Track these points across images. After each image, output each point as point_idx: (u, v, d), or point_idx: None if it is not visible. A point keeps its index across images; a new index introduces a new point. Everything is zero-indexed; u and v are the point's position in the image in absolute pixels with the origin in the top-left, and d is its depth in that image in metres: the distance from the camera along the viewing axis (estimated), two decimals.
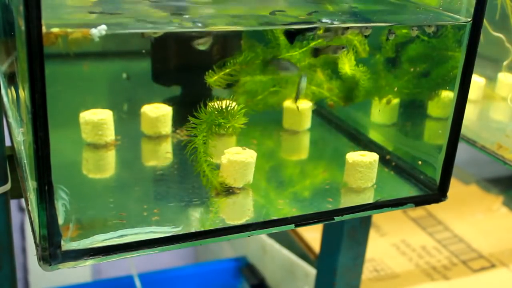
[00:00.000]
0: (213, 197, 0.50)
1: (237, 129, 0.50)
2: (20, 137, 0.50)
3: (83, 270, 1.43)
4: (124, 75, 0.55)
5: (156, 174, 0.56)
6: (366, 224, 0.79)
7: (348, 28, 0.53)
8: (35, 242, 0.41)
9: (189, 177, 0.53)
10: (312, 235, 1.11)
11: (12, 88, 0.52)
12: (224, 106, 0.49)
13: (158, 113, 0.59)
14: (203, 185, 0.50)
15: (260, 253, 1.17)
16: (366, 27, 0.54)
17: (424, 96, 0.59)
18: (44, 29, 0.35)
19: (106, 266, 1.48)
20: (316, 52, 0.56)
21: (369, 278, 1.02)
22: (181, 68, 0.64)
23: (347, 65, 0.57)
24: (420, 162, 0.58)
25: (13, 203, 0.79)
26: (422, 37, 0.57)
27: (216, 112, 0.49)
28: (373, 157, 0.54)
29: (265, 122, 0.65)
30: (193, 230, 0.46)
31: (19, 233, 1.37)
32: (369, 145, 0.63)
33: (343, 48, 0.55)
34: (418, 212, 1.23)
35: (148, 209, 0.48)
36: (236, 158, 0.50)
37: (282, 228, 0.49)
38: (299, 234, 1.12)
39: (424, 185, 0.56)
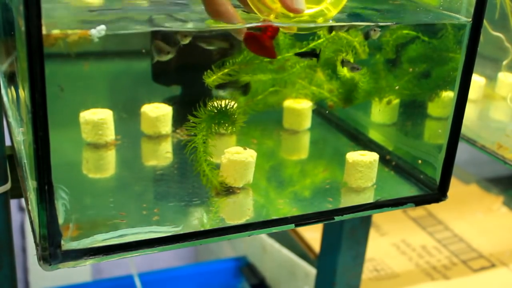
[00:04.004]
0: (213, 197, 0.50)
1: (236, 128, 0.50)
2: (20, 137, 0.50)
3: (83, 269, 1.43)
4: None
5: (156, 174, 0.56)
6: (366, 223, 0.79)
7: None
8: (35, 242, 0.41)
9: (189, 177, 0.53)
10: (312, 235, 1.11)
11: (12, 88, 0.52)
12: (223, 105, 0.49)
13: (158, 113, 0.59)
14: (203, 184, 0.50)
15: (260, 253, 1.17)
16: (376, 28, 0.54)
17: (424, 96, 0.59)
18: (44, 31, 0.35)
19: (106, 265, 1.48)
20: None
21: (369, 277, 1.02)
22: (181, 68, 0.64)
23: (345, 68, 0.57)
24: (420, 162, 0.58)
25: (13, 203, 0.79)
26: (422, 38, 0.57)
27: (215, 111, 0.49)
28: (373, 156, 0.54)
29: (265, 121, 0.65)
30: (193, 230, 0.46)
31: (19, 233, 1.37)
32: (369, 145, 0.63)
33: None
34: (418, 211, 1.23)
35: (148, 208, 0.48)
36: (236, 158, 0.50)
37: (282, 228, 0.49)
38: (299, 234, 1.12)
39: (424, 184, 0.56)
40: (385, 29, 0.58)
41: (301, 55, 0.56)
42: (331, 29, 0.56)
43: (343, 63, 0.57)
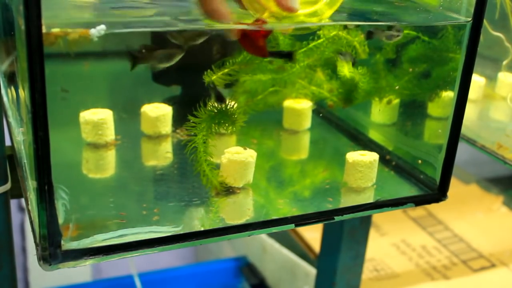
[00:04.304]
0: (213, 197, 0.50)
1: (236, 127, 0.50)
2: (20, 136, 0.50)
3: (83, 269, 1.43)
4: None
5: (156, 173, 0.56)
6: (366, 223, 0.79)
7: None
8: (35, 242, 0.41)
9: (189, 176, 0.53)
10: (312, 235, 1.11)
11: (12, 88, 0.52)
12: (223, 105, 0.49)
13: (158, 113, 0.59)
14: (203, 184, 0.50)
15: (260, 253, 1.17)
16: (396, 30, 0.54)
17: (424, 96, 0.59)
18: (43, 29, 0.35)
19: (106, 265, 1.48)
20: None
21: (369, 277, 1.02)
22: (181, 68, 0.64)
23: (346, 68, 0.57)
24: (420, 162, 0.58)
25: (13, 203, 0.79)
26: (422, 38, 0.57)
27: (216, 111, 0.49)
28: (373, 156, 0.54)
29: (265, 121, 0.65)
30: (193, 230, 0.46)
31: (19, 233, 1.37)
32: (369, 145, 0.63)
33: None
34: (418, 211, 1.23)
35: (148, 208, 0.48)
36: (236, 158, 0.50)
37: (282, 228, 0.49)
38: (299, 234, 1.12)
39: (424, 184, 0.56)
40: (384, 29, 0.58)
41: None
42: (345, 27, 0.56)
43: (341, 55, 0.56)
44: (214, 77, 0.52)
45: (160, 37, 0.53)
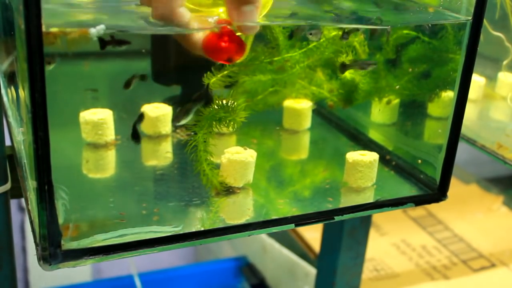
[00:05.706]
0: (213, 197, 0.50)
1: (238, 123, 0.50)
2: (20, 136, 0.50)
3: (83, 269, 1.43)
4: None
5: (156, 173, 0.56)
6: (366, 223, 0.79)
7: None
8: (35, 241, 0.41)
9: (189, 176, 0.53)
10: (312, 235, 1.11)
11: (12, 88, 0.52)
12: (224, 102, 0.49)
13: (158, 113, 0.59)
14: (203, 184, 0.50)
15: (260, 253, 1.17)
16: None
17: (424, 96, 0.59)
18: (43, 29, 0.35)
19: (106, 265, 1.48)
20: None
21: (369, 277, 1.02)
22: (181, 67, 0.64)
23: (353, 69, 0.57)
24: (420, 162, 0.58)
25: (13, 203, 0.79)
26: (422, 38, 0.57)
27: (217, 107, 0.49)
28: (373, 156, 0.54)
29: (265, 121, 0.65)
30: (193, 230, 0.46)
31: (19, 233, 1.37)
32: (369, 145, 0.63)
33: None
34: (418, 211, 1.23)
35: (148, 208, 0.48)
36: (236, 158, 0.50)
37: (282, 227, 0.49)
38: (299, 233, 1.12)
39: (424, 184, 0.56)
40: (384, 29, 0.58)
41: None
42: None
43: (347, 66, 0.56)
44: (213, 79, 0.52)
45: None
